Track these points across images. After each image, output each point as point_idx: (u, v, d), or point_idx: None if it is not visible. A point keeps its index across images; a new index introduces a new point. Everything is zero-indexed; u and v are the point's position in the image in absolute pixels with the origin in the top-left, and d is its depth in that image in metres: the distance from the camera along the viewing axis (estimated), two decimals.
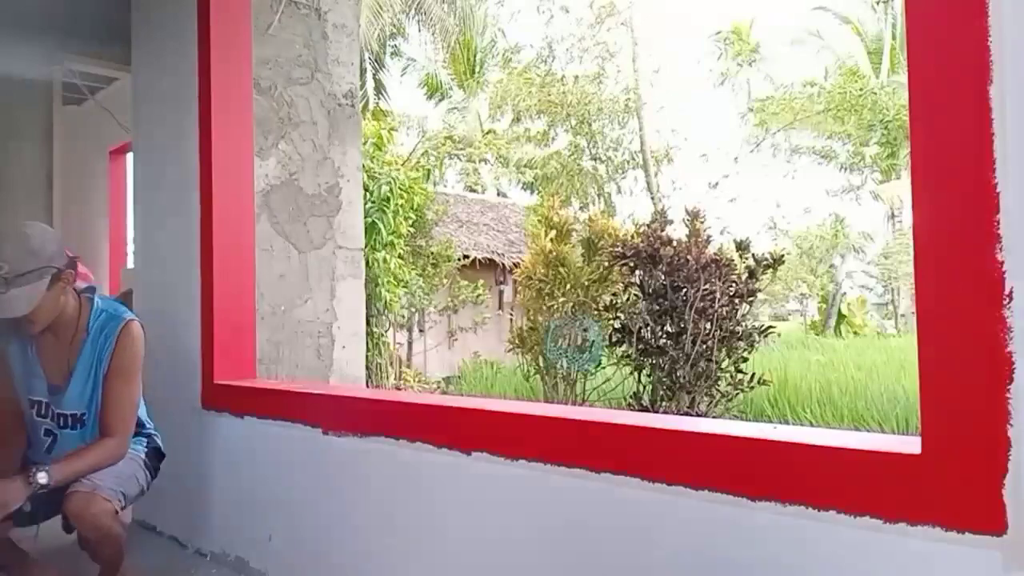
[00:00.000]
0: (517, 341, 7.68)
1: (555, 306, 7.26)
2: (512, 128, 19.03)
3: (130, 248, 5.38)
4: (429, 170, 15.52)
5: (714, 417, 5.97)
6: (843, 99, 18.76)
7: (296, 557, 2.46)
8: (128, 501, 2.40)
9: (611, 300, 7.01)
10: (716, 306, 6.13)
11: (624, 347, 6.55)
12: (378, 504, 2.16)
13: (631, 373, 6.67)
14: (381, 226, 8.87)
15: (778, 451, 1.35)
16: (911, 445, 1.19)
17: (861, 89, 19.31)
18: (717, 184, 15.72)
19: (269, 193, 3.33)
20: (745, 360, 6.40)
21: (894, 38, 22.87)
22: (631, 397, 6.53)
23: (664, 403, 6.22)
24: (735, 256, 6.46)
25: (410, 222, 9.69)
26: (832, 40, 25.98)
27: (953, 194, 1.12)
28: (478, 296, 12.19)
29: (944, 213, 1.14)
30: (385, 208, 8.93)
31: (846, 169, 24.33)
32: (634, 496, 1.51)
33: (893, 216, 24.96)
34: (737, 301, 6.36)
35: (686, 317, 6.12)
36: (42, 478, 2.11)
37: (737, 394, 6.39)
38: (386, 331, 9.81)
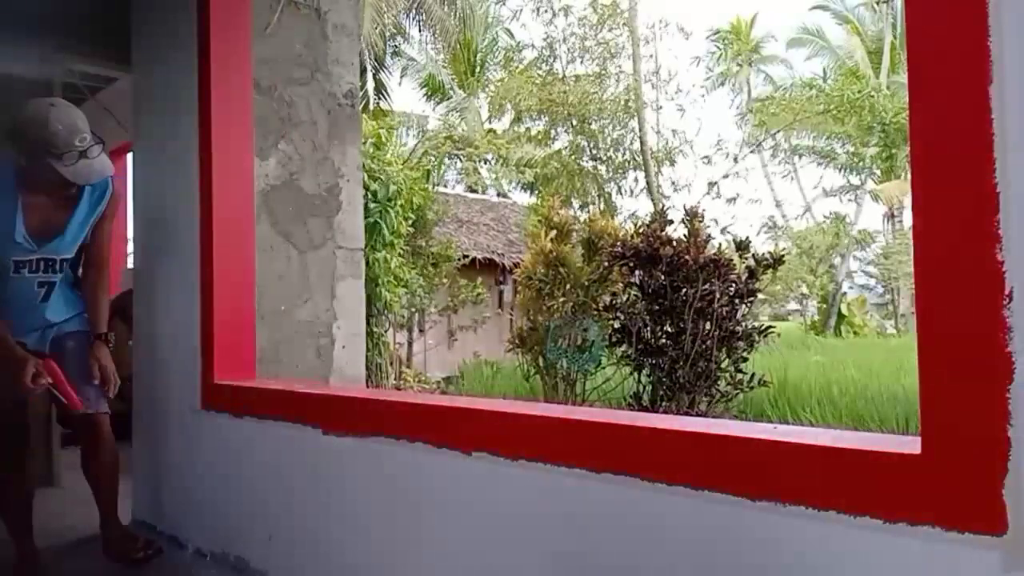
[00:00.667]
0: (517, 341, 7.67)
1: (555, 306, 7.26)
2: (513, 128, 19.02)
3: (130, 248, 5.38)
4: (429, 170, 15.51)
5: (714, 417, 5.97)
6: (842, 100, 18.75)
7: (296, 557, 2.46)
8: None
9: (611, 300, 7.01)
10: (716, 306, 6.13)
11: (624, 347, 6.55)
12: (378, 504, 2.16)
13: (631, 373, 6.67)
14: (384, 226, 8.87)
15: (778, 451, 1.35)
16: (911, 445, 1.19)
17: (859, 91, 19.31)
18: (716, 184, 15.67)
19: (269, 193, 3.33)
20: (745, 360, 6.40)
21: (894, 38, 22.89)
22: (631, 397, 6.53)
23: (664, 403, 6.22)
24: (735, 256, 6.46)
25: (410, 222, 9.69)
26: (832, 39, 26.02)
27: (953, 194, 1.13)
28: (478, 296, 12.18)
29: (944, 213, 1.14)
30: (389, 208, 8.93)
31: (846, 169, 24.34)
32: (634, 496, 1.51)
33: (893, 216, 24.98)
34: (737, 301, 6.35)
35: (686, 317, 6.12)
36: (112, 336, 2.71)
37: (737, 394, 6.39)
38: (386, 331, 9.80)
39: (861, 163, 23.20)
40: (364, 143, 8.71)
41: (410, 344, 11.63)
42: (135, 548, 2.78)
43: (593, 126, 16.23)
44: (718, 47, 28.89)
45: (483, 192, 20.07)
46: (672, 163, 16.45)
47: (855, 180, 24.59)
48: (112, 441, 2.77)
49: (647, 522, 1.50)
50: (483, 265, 13.67)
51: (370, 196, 8.63)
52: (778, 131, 19.72)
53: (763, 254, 6.49)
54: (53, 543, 3.00)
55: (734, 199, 16.99)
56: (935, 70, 1.15)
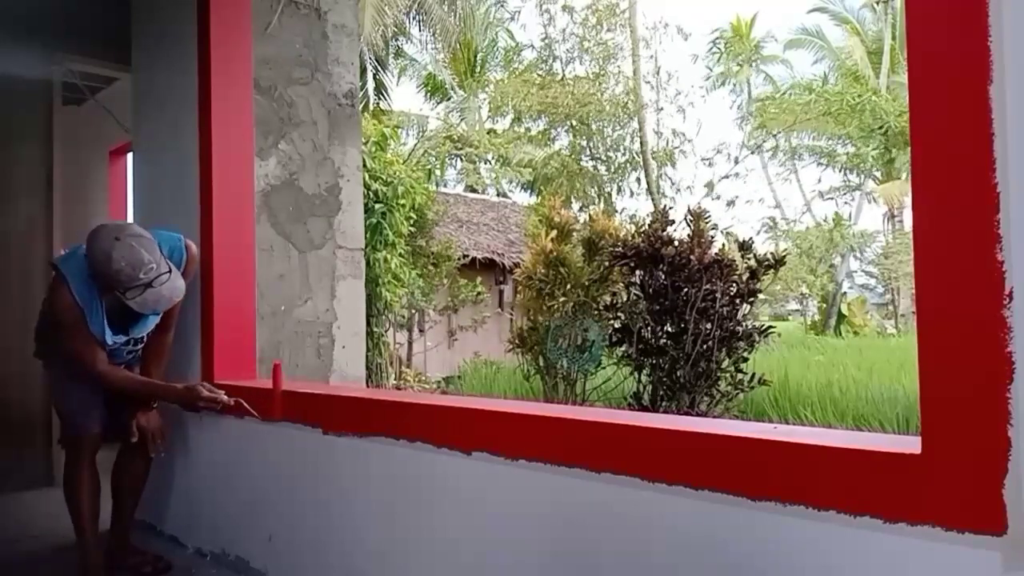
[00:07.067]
0: (517, 341, 7.66)
1: (555, 306, 7.24)
2: (513, 128, 19.02)
3: None
4: (431, 170, 15.49)
5: (714, 417, 5.96)
6: (841, 100, 18.74)
7: (296, 557, 2.46)
8: None
9: (611, 300, 7.00)
10: (717, 306, 6.12)
11: (624, 347, 6.54)
12: (378, 504, 2.16)
13: (631, 373, 6.66)
14: (386, 226, 8.87)
15: (778, 451, 1.35)
16: (911, 445, 1.19)
17: (859, 95, 19.29)
18: (714, 185, 15.65)
19: (269, 193, 3.33)
20: (745, 360, 6.39)
21: (894, 38, 22.88)
22: (631, 397, 6.52)
23: (664, 403, 6.21)
24: (737, 256, 6.44)
25: (411, 222, 9.69)
26: (832, 40, 26.02)
27: (953, 194, 1.12)
28: (478, 296, 12.17)
29: (944, 213, 1.14)
30: (393, 208, 8.95)
31: (846, 170, 24.33)
32: (634, 496, 1.51)
33: (893, 216, 24.97)
34: (738, 301, 6.34)
35: (687, 317, 6.11)
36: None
37: (737, 394, 6.38)
38: (386, 331, 9.79)
39: (862, 164, 23.17)
40: (366, 143, 8.71)
41: (410, 344, 11.61)
42: (144, 562, 2.80)
43: (592, 126, 16.21)
44: (718, 47, 28.88)
45: (483, 192, 20.06)
46: (673, 164, 16.44)
47: (855, 180, 24.60)
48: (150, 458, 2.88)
49: (647, 522, 1.50)
50: (483, 265, 13.66)
51: (372, 196, 8.63)
52: (778, 132, 19.68)
53: (765, 254, 6.48)
54: (53, 543, 3.00)
55: (733, 201, 16.92)
56: (935, 70, 1.15)
